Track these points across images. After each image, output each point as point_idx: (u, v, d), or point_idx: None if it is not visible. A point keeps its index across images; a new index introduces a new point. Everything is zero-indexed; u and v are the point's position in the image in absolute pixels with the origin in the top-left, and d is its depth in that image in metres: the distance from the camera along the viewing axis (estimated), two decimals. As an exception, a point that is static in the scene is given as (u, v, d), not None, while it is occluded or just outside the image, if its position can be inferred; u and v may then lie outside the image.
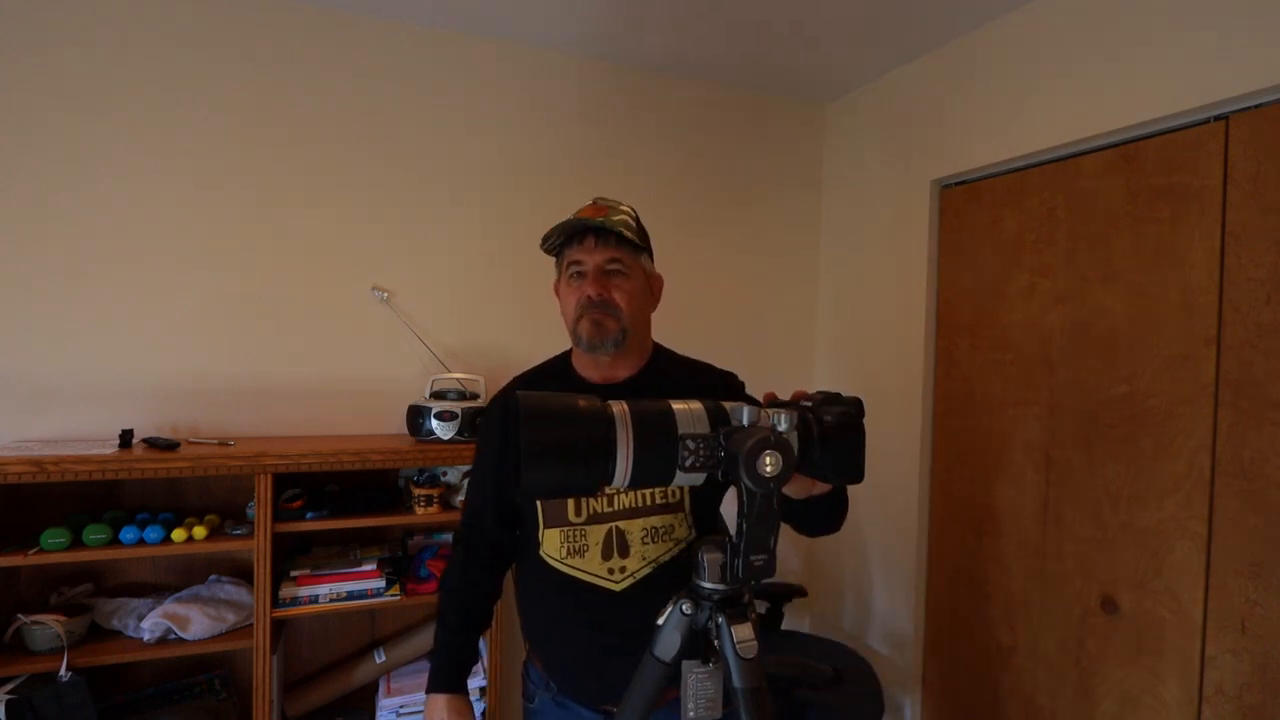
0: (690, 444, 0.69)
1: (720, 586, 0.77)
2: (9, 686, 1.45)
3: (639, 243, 1.11)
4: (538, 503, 1.11)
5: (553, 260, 1.17)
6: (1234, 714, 1.42)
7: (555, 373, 1.20)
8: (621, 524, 1.09)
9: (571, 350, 1.20)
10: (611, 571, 1.09)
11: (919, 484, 2.18)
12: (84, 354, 1.78)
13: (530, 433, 0.65)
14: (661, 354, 1.22)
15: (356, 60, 2.02)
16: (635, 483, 0.69)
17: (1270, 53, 1.35)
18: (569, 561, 1.10)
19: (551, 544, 1.11)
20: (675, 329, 2.39)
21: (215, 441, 1.75)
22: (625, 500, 1.10)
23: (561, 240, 1.11)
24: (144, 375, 1.83)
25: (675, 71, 2.38)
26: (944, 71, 2.10)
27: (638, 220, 1.15)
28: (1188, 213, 1.51)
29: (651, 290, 1.18)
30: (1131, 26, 1.60)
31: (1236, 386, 1.42)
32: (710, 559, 0.77)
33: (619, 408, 0.70)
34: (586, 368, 1.16)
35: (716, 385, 1.19)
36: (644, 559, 1.09)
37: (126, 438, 1.66)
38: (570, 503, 1.10)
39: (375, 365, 2.06)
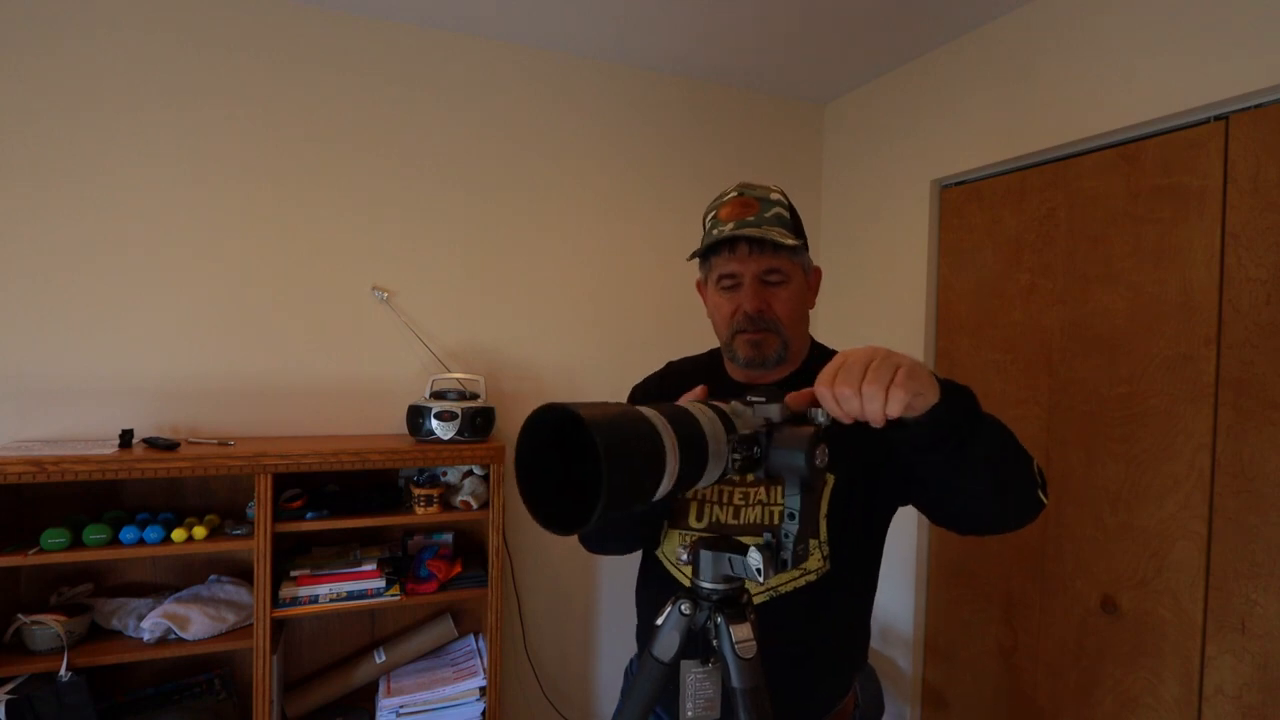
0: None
1: (719, 586, 0.77)
2: (9, 686, 1.45)
3: (797, 243, 0.97)
4: None
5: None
6: (1234, 714, 1.42)
7: (707, 368, 1.12)
8: (745, 540, 0.99)
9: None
10: None
11: (919, 484, 2.18)
12: (84, 354, 1.78)
13: (603, 437, 0.57)
14: (817, 355, 1.08)
15: (357, 60, 2.02)
16: (678, 489, 0.66)
17: (1270, 53, 1.35)
18: (682, 569, 1.01)
19: (670, 545, 1.03)
20: (676, 328, 2.40)
21: (215, 441, 1.75)
22: (751, 514, 0.97)
23: (706, 249, 0.98)
24: (144, 375, 1.83)
25: (675, 71, 2.38)
26: (944, 71, 2.10)
27: (791, 209, 1.01)
28: (1188, 213, 1.51)
29: (810, 286, 1.04)
30: (1131, 26, 1.60)
31: (1236, 386, 1.42)
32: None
33: (650, 412, 0.67)
34: (735, 368, 1.08)
35: None
36: (760, 585, 0.93)
37: (126, 438, 1.66)
38: (693, 506, 1.01)
39: (375, 365, 2.06)
